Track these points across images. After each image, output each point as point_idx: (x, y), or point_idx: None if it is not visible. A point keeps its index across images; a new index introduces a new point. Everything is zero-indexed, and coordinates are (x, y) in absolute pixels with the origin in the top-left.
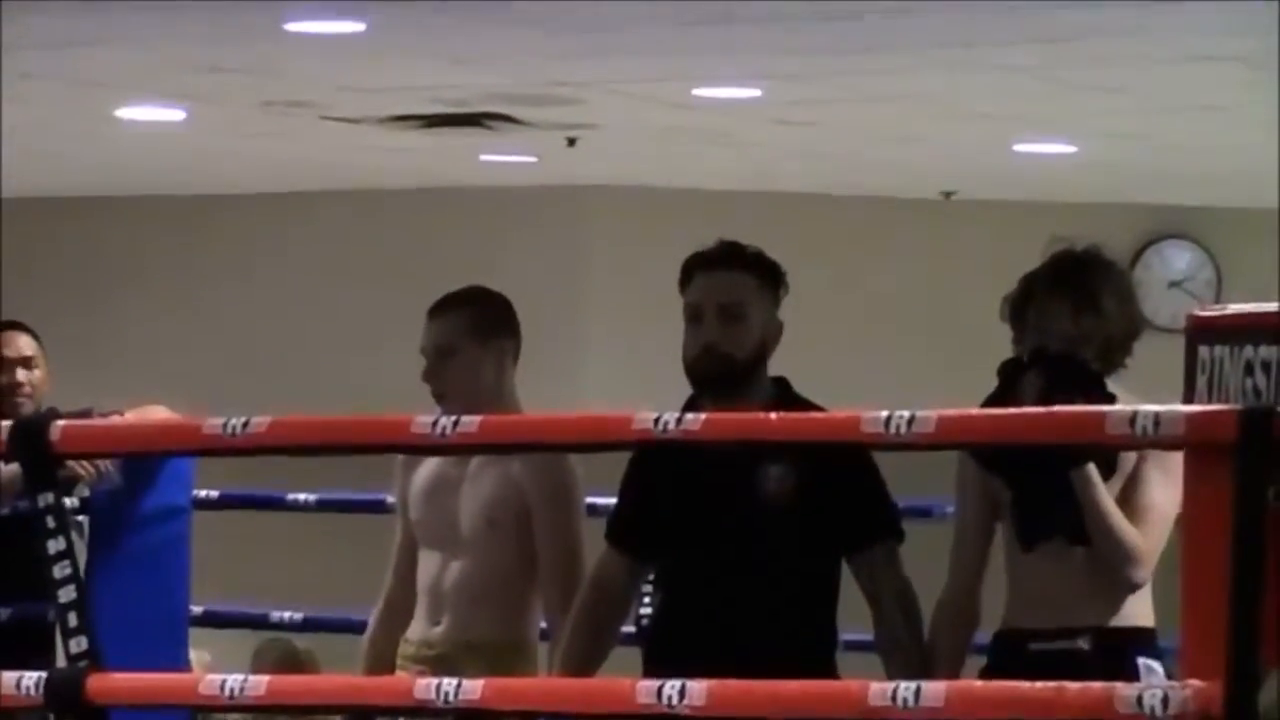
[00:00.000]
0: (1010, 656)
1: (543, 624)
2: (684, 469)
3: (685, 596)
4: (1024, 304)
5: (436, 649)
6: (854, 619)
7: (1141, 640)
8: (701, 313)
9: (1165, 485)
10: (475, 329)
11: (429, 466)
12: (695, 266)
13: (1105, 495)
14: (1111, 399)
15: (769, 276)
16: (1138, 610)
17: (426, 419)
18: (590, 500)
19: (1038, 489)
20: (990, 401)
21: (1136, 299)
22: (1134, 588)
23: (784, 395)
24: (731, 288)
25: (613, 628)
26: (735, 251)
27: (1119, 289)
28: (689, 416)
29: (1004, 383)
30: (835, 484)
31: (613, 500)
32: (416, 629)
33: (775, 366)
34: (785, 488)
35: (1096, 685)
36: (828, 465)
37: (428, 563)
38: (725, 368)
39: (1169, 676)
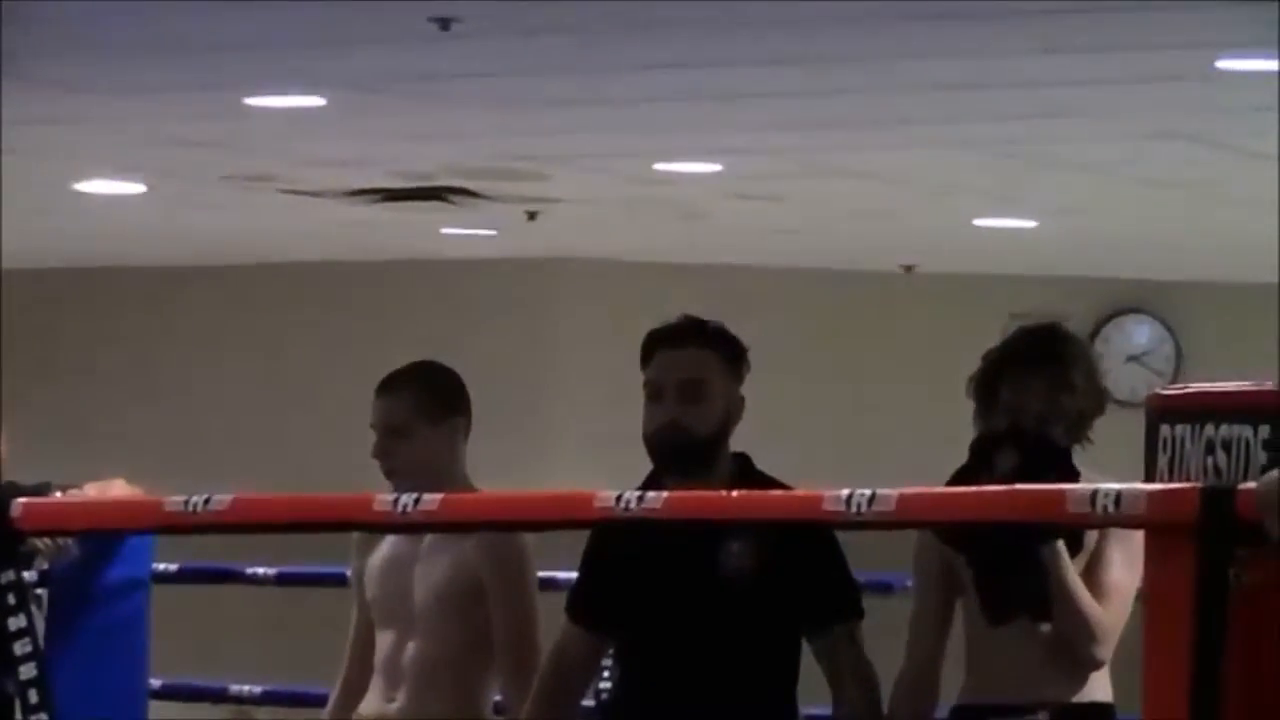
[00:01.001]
0: None
1: (497, 698)
2: (644, 544)
3: (644, 672)
4: (993, 380)
5: None
6: (814, 694)
7: (1100, 717)
8: (662, 390)
9: (1127, 564)
10: (426, 407)
11: (384, 545)
12: (656, 343)
13: (1073, 573)
14: (1078, 476)
15: (731, 353)
16: (1096, 687)
17: (388, 497)
18: (550, 574)
19: (1002, 565)
20: (961, 475)
21: (1101, 374)
22: (1096, 666)
23: (745, 471)
24: (693, 365)
25: (573, 703)
26: (696, 328)
27: (1088, 365)
28: (650, 495)
29: (977, 457)
30: (796, 561)
31: (572, 574)
32: (371, 706)
33: (737, 440)
34: (746, 564)
35: None
36: (789, 542)
37: (383, 640)
38: (686, 444)
39: None
